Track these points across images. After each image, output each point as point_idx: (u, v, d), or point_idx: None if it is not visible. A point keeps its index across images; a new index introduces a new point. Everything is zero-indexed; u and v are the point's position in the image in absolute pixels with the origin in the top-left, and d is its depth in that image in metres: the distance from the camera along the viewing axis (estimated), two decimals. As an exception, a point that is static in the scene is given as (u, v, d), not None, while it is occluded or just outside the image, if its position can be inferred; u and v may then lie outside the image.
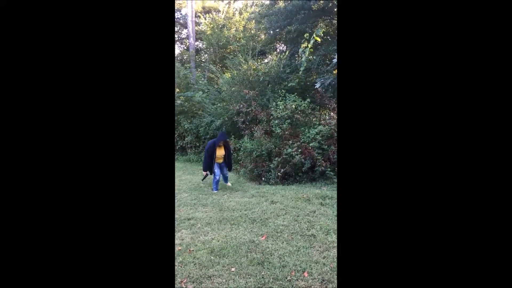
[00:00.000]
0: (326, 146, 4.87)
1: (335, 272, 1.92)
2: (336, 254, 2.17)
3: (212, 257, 2.17)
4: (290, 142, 5.07)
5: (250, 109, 6.24)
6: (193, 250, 2.31)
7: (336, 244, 2.35)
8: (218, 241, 2.47)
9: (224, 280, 1.86)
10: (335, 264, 2.02)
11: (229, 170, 4.82)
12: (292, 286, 1.80)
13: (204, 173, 4.58)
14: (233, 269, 2.00)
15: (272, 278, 1.87)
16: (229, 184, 4.85)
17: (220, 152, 4.55)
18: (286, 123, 5.36)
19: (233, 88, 7.08)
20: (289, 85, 6.35)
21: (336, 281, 1.82)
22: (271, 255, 2.18)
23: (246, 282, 1.84)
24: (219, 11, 12.40)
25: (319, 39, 6.02)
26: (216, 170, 4.51)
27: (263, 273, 1.93)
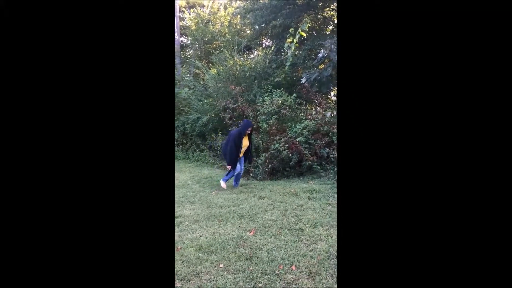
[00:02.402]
0: (313, 141, 4.92)
1: (322, 265, 1.95)
2: (323, 247, 2.20)
3: (200, 254, 2.16)
4: (277, 137, 5.09)
5: (236, 105, 6.21)
6: (180, 248, 2.29)
7: (323, 237, 2.38)
8: (206, 238, 2.46)
9: (212, 277, 1.86)
10: (322, 257, 2.05)
11: (250, 163, 4.38)
12: (280, 280, 1.81)
13: (229, 167, 4.02)
14: (221, 266, 2.00)
15: (260, 273, 1.88)
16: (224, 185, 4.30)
17: (244, 143, 4.00)
18: (273, 119, 5.37)
19: (219, 84, 7.02)
20: (275, 80, 6.35)
21: (323, 273, 1.85)
22: (259, 250, 2.19)
23: (235, 278, 1.84)
24: (203, 6, 12.22)
25: (304, 34, 6.03)
26: (239, 164, 4.04)
27: (251, 268, 1.94)
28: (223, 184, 4.17)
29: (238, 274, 1.89)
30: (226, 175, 4.15)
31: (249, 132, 4.02)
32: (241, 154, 4.09)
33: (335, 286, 1.73)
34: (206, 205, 3.42)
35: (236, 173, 4.12)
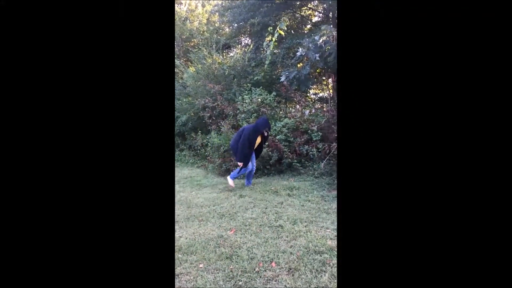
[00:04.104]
0: (292, 138, 4.97)
1: (302, 260, 1.98)
2: (302, 243, 2.24)
3: (179, 256, 2.13)
4: (257, 135, 5.10)
5: (216, 103, 6.16)
6: (159, 249, 2.25)
7: (302, 233, 2.42)
8: (186, 238, 2.43)
9: (192, 278, 1.84)
10: (301, 253, 2.08)
11: (256, 158, 4.19)
12: (260, 277, 1.82)
13: (240, 164, 3.84)
14: (201, 266, 1.98)
15: (241, 271, 1.89)
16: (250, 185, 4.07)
17: (257, 140, 3.88)
18: (252, 117, 5.37)
19: (198, 83, 6.93)
20: (254, 78, 6.35)
21: (302, 269, 1.88)
22: (239, 249, 2.20)
23: (215, 277, 1.83)
24: (181, 3, 12.01)
25: (282, 33, 6.07)
26: (250, 163, 3.86)
27: (231, 267, 1.94)
28: (230, 181, 3.94)
29: (218, 273, 1.88)
30: (236, 172, 3.92)
31: (265, 133, 3.87)
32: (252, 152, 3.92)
33: (314, 281, 1.76)
34: (186, 206, 3.38)
35: (248, 171, 3.94)
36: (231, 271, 1.90)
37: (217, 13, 9.58)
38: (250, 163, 3.87)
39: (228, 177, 4.00)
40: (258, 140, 3.92)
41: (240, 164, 3.82)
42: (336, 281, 1.75)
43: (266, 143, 4.55)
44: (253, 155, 3.98)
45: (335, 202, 3.33)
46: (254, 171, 4.03)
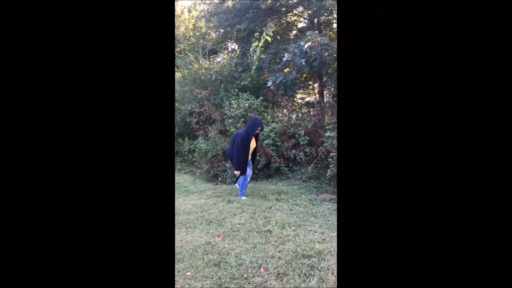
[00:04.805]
0: (280, 143, 4.99)
1: (290, 265, 1.97)
2: (290, 247, 2.23)
3: (166, 264, 2.09)
4: (245, 140, 5.09)
5: (203, 109, 6.14)
6: (145, 258, 2.20)
7: (291, 237, 2.42)
8: (173, 246, 2.39)
9: (178, 286, 1.81)
10: (289, 257, 2.08)
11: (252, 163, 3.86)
12: (249, 283, 1.80)
13: (237, 173, 3.56)
14: (188, 274, 1.94)
15: (229, 278, 1.86)
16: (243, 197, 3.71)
17: (252, 144, 3.53)
18: (240, 122, 5.37)
19: (184, 88, 6.90)
20: (241, 83, 6.37)
21: (290, 273, 1.87)
22: (227, 255, 2.17)
23: (202, 285, 1.80)
24: (166, 8, 11.96)
25: (269, 38, 6.12)
26: (248, 169, 3.57)
27: (219, 274, 1.91)
28: (242, 197, 3.69)
29: (206, 281, 1.85)
30: (240, 188, 3.69)
31: (258, 132, 3.59)
32: (249, 157, 3.58)
33: (303, 285, 1.76)
34: (173, 212, 3.32)
35: (249, 178, 3.71)
36: (219, 278, 1.87)
37: (203, 19, 9.58)
38: (248, 169, 3.64)
39: (239, 197, 3.72)
40: (253, 144, 3.63)
41: (237, 172, 3.58)
42: (324, 284, 1.75)
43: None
44: (249, 161, 3.67)
45: (323, 205, 3.36)
46: (248, 180, 3.78)
